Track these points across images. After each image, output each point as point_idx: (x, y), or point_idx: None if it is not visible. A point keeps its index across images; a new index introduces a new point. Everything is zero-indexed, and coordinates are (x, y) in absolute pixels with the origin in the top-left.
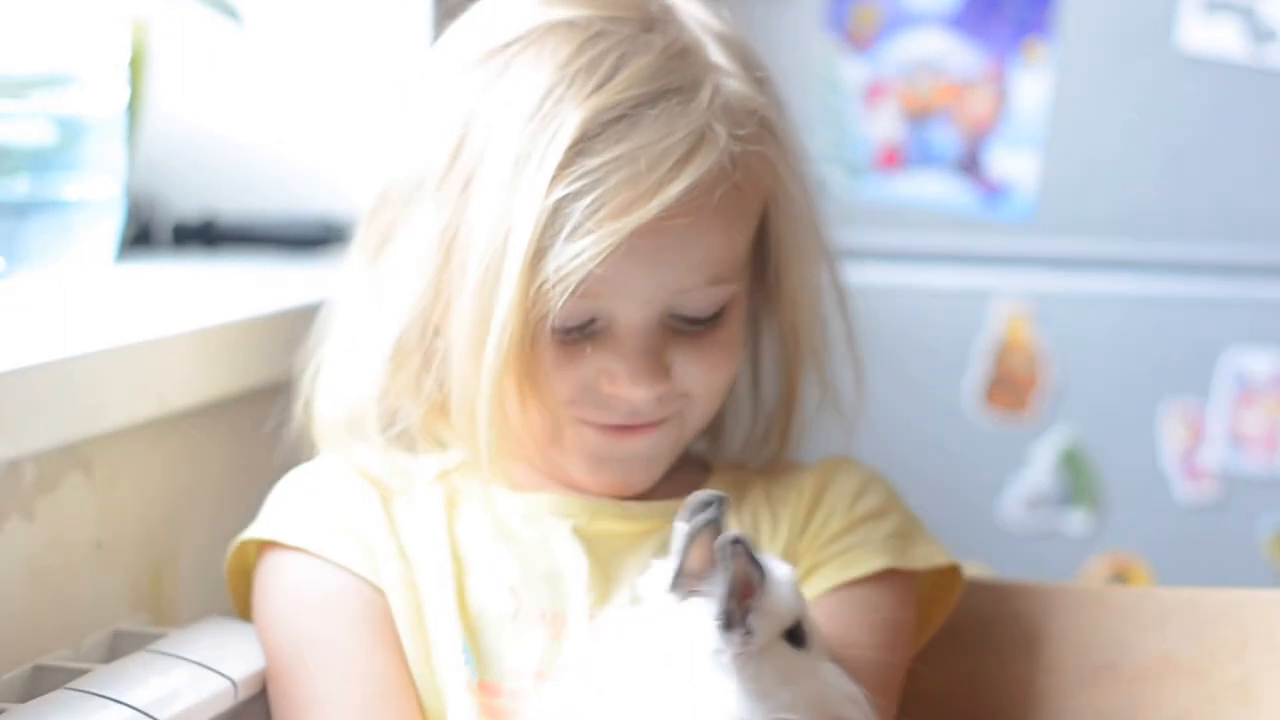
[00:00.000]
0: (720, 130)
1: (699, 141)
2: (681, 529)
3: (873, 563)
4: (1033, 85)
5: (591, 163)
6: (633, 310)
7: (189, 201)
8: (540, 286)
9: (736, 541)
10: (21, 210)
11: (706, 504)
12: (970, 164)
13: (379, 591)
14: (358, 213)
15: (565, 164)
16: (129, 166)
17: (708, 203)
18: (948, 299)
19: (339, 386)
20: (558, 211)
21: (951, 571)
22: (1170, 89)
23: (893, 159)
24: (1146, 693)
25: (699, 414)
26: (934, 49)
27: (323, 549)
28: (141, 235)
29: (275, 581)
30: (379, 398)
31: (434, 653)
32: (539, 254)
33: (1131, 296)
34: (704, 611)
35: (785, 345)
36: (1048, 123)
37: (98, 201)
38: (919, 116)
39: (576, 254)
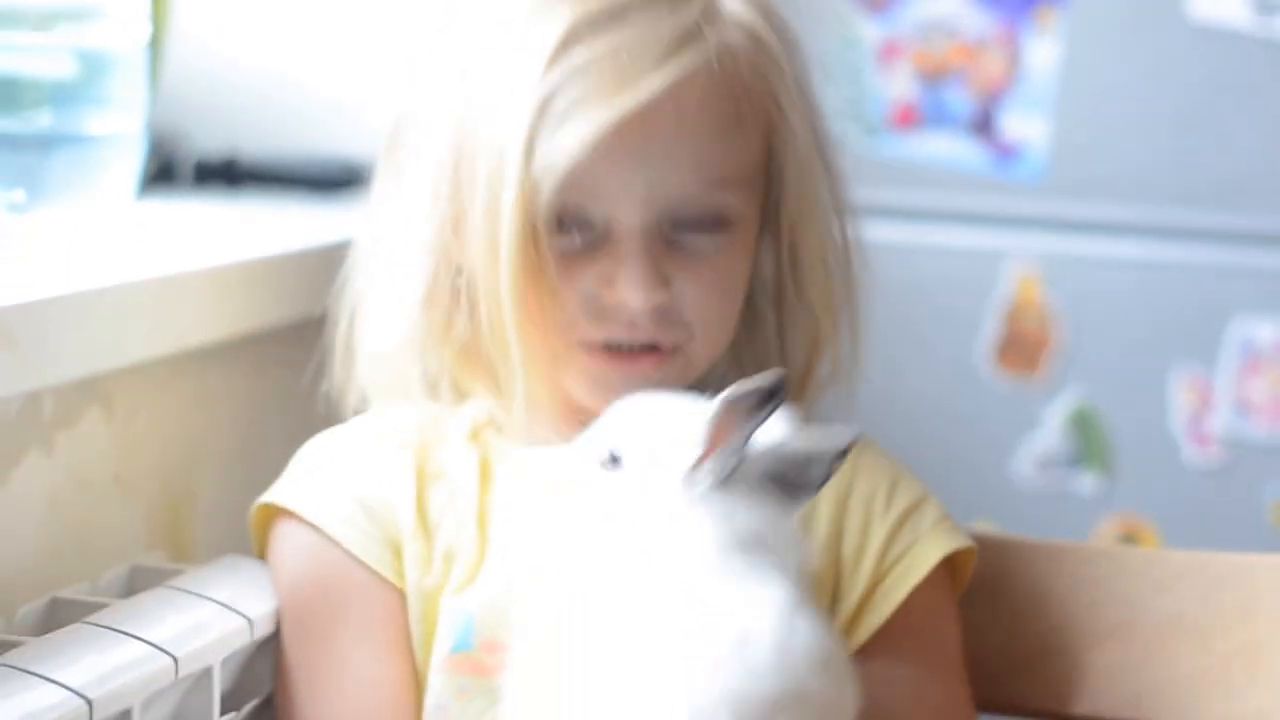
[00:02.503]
0: (710, 34)
1: (686, 39)
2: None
3: (933, 555)
4: (1045, 50)
5: (579, 56)
6: (629, 213)
7: (212, 139)
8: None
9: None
10: (43, 144)
11: (772, 392)
12: (983, 125)
13: (387, 585)
14: (379, 154)
15: (554, 58)
16: (151, 102)
17: (694, 99)
18: (960, 258)
19: (377, 334)
20: (547, 104)
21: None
22: (1179, 58)
23: (907, 118)
24: (1154, 653)
25: (700, 349)
26: (948, 10)
27: (336, 531)
28: (163, 172)
29: (283, 552)
30: (417, 344)
31: (438, 635)
32: (532, 147)
33: (1141, 261)
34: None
35: (799, 306)
36: (1059, 87)
37: (120, 137)
38: (933, 77)
39: (561, 145)
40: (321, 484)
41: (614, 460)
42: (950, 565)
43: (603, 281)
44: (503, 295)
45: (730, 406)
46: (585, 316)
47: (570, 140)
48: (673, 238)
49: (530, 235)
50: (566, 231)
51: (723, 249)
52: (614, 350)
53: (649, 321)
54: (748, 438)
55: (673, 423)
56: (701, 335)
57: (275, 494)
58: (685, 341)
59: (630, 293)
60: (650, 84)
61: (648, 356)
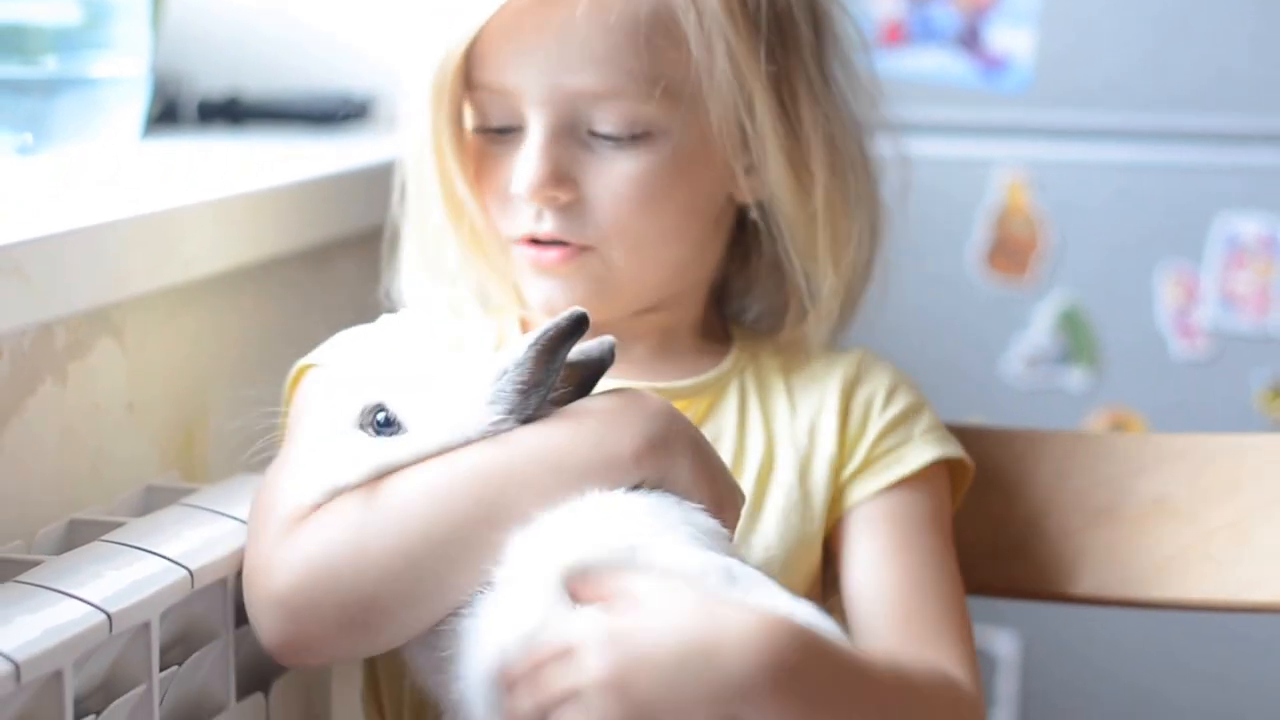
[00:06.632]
0: None
1: None
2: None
3: (923, 456)
4: None
5: None
6: (535, 108)
7: (214, 79)
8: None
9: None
10: (49, 88)
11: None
12: (970, 39)
13: None
14: (379, 89)
15: None
16: (155, 44)
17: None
18: (950, 168)
19: (407, 255)
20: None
21: (962, 465)
22: None
23: (896, 35)
24: (1143, 533)
25: (618, 256)
26: None
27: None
28: (167, 112)
29: (299, 392)
30: (435, 265)
31: None
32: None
33: (1126, 164)
34: None
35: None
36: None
37: (124, 79)
38: None
39: (455, 25)
40: (347, 346)
41: (386, 424)
42: (949, 472)
43: (511, 175)
44: (421, 150)
45: (539, 350)
46: (502, 212)
47: (460, 20)
48: (588, 141)
49: (447, 92)
50: (485, 128)
51: (641, 159)
52: (530, 248)
53: (551, 215)
54: (553, 375)
55: (450, 384)
56: (616, 241)
57: (316, 355)
58: (598, 243)
59: (519, 180)
60: None
61: (557, 249)
